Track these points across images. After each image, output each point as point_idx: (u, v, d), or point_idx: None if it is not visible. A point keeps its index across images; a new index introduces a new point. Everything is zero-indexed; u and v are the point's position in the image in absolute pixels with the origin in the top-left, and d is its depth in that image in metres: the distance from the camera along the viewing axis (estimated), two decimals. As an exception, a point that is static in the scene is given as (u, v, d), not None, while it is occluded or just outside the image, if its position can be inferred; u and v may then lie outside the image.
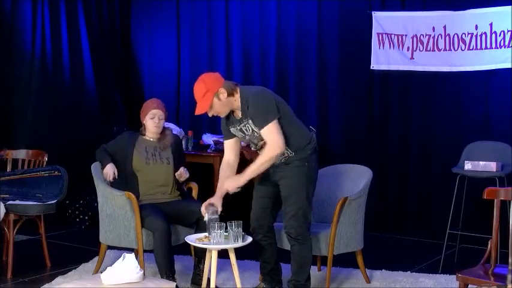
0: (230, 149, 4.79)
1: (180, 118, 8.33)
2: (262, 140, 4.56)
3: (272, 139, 4.47)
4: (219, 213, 4.60)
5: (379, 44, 7.00)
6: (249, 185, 7.28)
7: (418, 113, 6.95)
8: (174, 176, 5.32)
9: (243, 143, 4.86)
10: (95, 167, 5.34)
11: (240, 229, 4.48)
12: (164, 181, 5.29)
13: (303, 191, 4.61)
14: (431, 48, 6.74)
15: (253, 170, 4.56)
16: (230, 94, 4.51)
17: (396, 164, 7.12)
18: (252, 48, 7.86)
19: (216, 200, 4.66)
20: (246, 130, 4.61)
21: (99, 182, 5.25)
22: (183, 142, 7.38)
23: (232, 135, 4.75)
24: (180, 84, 8.40)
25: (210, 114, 4.60)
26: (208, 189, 6.91)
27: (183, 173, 5.32)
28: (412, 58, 6.84)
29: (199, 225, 4.92)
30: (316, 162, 4.72)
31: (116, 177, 5.22)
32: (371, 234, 6.22)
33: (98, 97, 8.11)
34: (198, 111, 4.56)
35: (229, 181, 4.63)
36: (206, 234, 4.53)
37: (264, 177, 4.78)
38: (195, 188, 5.55)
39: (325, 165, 5.45)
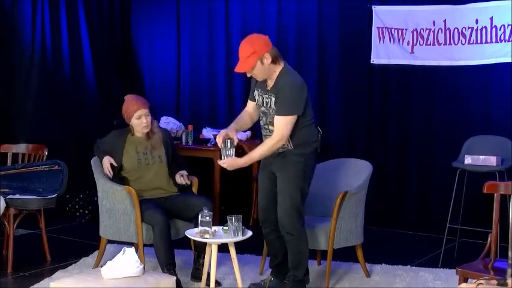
0: (252, 108, 4.83)
1: (180, 112, 8.33)
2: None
3: (281, 130, 4.47)
4: (235, 144, 4.58)
5: (379, 38, 6.99)
6: (248, 179, 7.36)
7: (418, 107, 6.95)
8: (169, 172, 5.30)
9: (243, 138, 4.85)
10: (95, 161, 5.34)
11: (240, 223, 4.48)
12: (158, 179, 5.27)
13: (298, 186, 4.59)
14: (432, 43, 6.73)
15: (252, 157, 4.60)
16: (273, 62, 4.50)
17: (396, 159, 7.12)
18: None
19: (231, 132, 4.62)
20: (267, 103, 4.59)
21: (99, 176, 5.25)
22: (183, 136, 7.39)
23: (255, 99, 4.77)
24: (180, 78, 8.39)
25: (248, 75, 4.59)
26: (208, 183, 6.93)
27: (183, 179, 5.28)
28: (412, 52, 6.84)
29: (198, 220, 4.92)
30: (314, 162, 4.71)
31: (115, 165, 5.20)
32: (371, 229, 6.22)
33: (98, 91, 8.11)
34: (239, 69, 4.52)
35: (229, 161, 4.56)
36: (206, 228, 4.52)
37: (266, 172, 4.78)
38: (195, 182, 5.53)
39: (325, 160, 5.45)
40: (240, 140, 4.90)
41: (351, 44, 7.23)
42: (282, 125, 4.48)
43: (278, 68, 4.54)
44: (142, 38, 8.62)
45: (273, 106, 4.54)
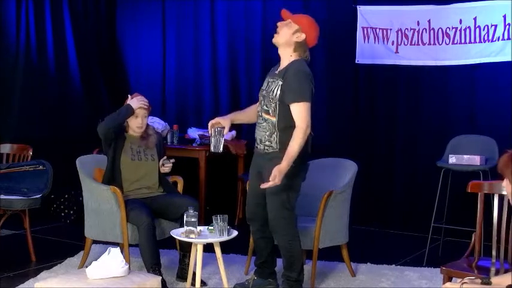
0: None
1: (165, 112, 8.31)
2: (273, 104, 4.49)
3: (302, 119, 4.39)
4: (224, 133, 4.59)
5: (364, 38, 7.02)
6: (233, 179, 7.36)
7: (403, 107, 6.98)
8: (159, 172, 5.31)
9: (228, 138, 4.83)
10: (79, 161, 5.31)
11: (226, 223, 4.48)
12: (148, 178, 5.27)
13: (285, 188, 4.49)
14: (416, 42, 6.76)
15: (290, 155, 4.35)
16: (296, 46, 4.55)
17: (381, 158, 7.14)
18: (237, 42, 7.86)
19: (225, 121, 4.66)
20: (269, 86, 4.58)
21: (84, 176, 5.23)
22: (168, 136, 7.39)
23: None
24: (166, 77, 8.39)
25: (273, 41, 4.67)
26: (193, 183, 6.92)
27: (165, 166, 5.31)
28: (396, 52, 6.87)
29: (183, 220, 4.92)
30: (303, 166, 4.60)
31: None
32: (356, 228, 6.25)
33: (83, 90, 8.07)
34: (284, 15, 4.69)
35: (274, 173, 4.27)
36: (191, 228, 4.52)
37: (256, 172, 4.74)
38: (180, 182, 5.54)
39: (311, 159, 5.44)
40: (225, 140, 4.84)
41: (335, 44, 7.24)
42: (300, 114, 4.41)
43: (295, 56, 4.57)
44: (128, 37, 8.59)
45: (276, 90, 4.49)
